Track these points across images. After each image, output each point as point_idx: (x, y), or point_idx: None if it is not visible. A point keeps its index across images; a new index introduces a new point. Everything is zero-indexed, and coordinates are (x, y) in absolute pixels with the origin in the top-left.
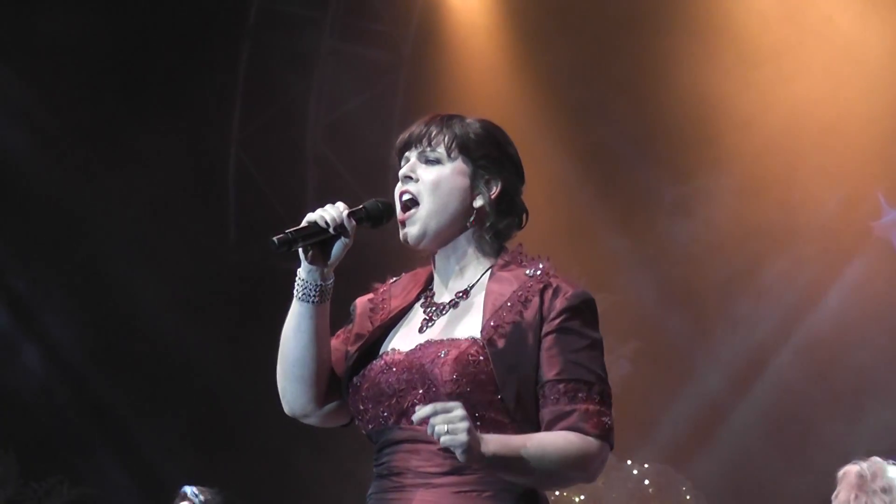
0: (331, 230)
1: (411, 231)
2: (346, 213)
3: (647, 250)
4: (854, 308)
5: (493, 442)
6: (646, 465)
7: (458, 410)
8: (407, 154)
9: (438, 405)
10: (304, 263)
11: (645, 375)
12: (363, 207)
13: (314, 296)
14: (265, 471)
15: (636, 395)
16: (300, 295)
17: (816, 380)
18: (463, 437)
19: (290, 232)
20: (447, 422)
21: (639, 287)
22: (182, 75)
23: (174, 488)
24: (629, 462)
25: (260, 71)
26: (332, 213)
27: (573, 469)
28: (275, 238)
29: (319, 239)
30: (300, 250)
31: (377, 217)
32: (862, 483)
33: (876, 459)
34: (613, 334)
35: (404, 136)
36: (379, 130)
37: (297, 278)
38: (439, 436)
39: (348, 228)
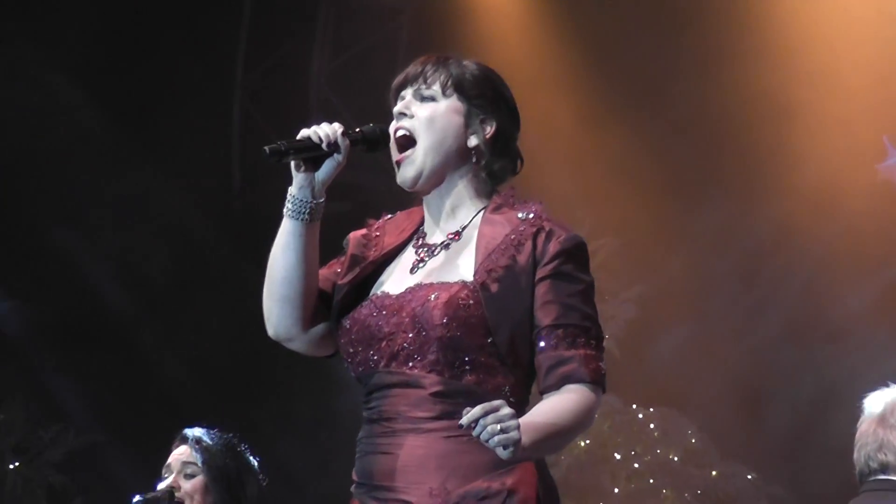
0: (324, 146)
1: (407, 171)
2: (340, 130)
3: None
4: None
5: (528, 431)
6: (651, 409)
7: (507, 408)
8: (402, 93)
9: (487, 406)
10: (295, 178)
11: (650, 320)
12: (359, 130)
13: (304, 213)
14: (279, 415)
15: (640, 339)
16: (290, 212)
17: (817, 315)
18: (516, 434)
19: (282, 143)
20: (498, 421)
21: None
22: (184, 23)
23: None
24: (634, 406)
25: (263, 16)
26: (326, 129)
27: (584, 426)
28: (266, 147)
29: (312, 155)
30: (292, 164)
31: (373, 140)
32: (883, 417)
33: None
34: (619, 278)
35: (400, 76)
36: (383, 75)
37: (288, 195)
38: (490, 436)
39: (341, 146)
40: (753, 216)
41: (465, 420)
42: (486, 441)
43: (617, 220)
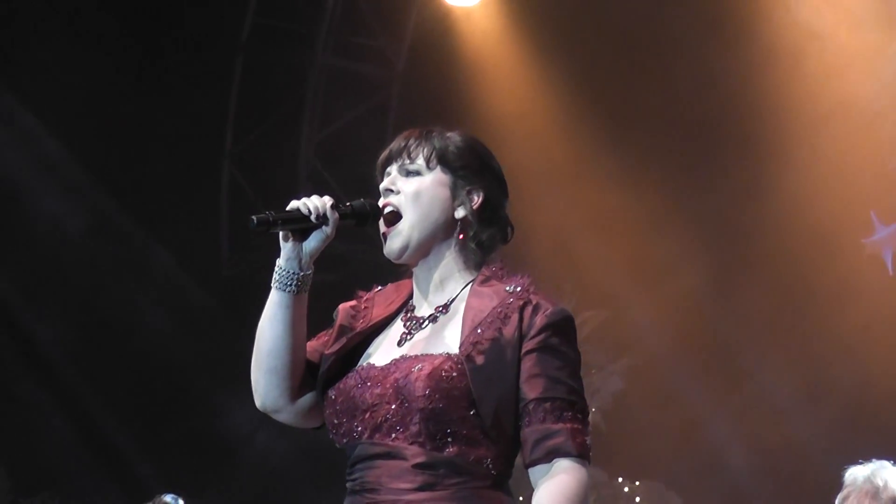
0: (312, 218)
1: (394, 243)
2: (329, 204)
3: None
4: None
5: None
6: (637, 483)
7: None
8: (388, 169)
9: None
10: (283, 250)
11: (638, 393)
12: (349, 204)
13: (292, 285)
14: (258, 485)
15: (627, 411)
16: (277, 283)
17: (806, 401)
18: None
19: (270, 213)
20: None
21: (632, 303)
22: (175, 89)
23: None
24: (620, 479)
25: (253, 85)
26: (315, 202)
27: None
28: (254, 216)
29: (300, 226)
30: (280, 234)
31: (362, 215)
32: (875, 492)
33: (885, 464)
34: (605, 351)
35: (385, 152)
36: (372, 146)
37: (276, 267)
38: None
39: (330, 220)
40: (742, 287)
41: None
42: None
43: (603, 293)
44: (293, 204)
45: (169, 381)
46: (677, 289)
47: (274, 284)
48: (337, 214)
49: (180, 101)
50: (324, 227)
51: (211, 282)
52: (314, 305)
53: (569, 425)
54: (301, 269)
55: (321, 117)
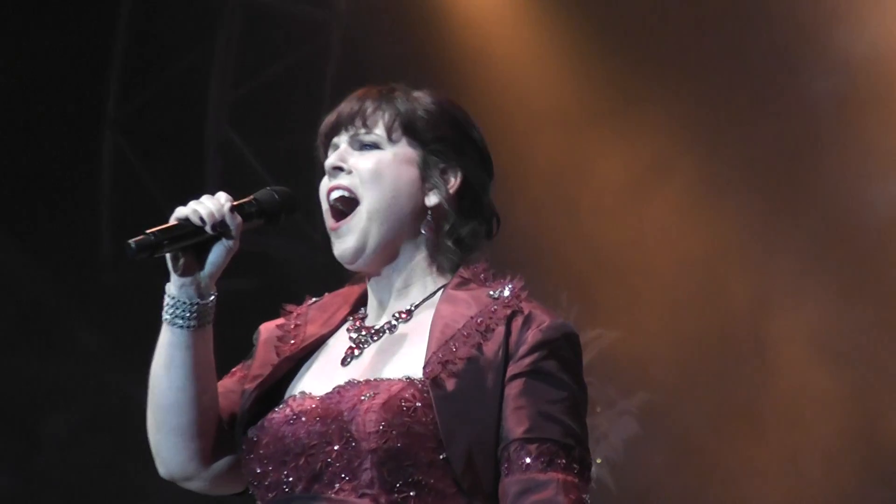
0: (207, 229)
1: (348, 242)
2: (228, 206)
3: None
4: None
5: None
6: None
7: None
8: (335, 140)
9: None
10: (173, 276)
11: (657, 439)
12: (253, 199)
13: (189, 318)
14: None
15: (643, 464)
16: (170, 318)
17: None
18: None
19: (152, 232)
20: None
21: (650, 321)
22: (38, 31)
23: None
24: None
25: (144, 32)
26: (209, 206)
27: None
28: (132, 241)
29: (192, 242)
30: (167, 257)
31: (273, 211)
32: None
33: None
34: (615, 383)
35: (331, 117)
36: (303, 109)
37: (166, 296)
38: None
39: (231, 227)
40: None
41: None
42: None
43: (615, 306)
44: (179, 212)
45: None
46: (720, 299)
47: (166, 319)
48: (240, 217)
49: (44, 47)
50: (224, 239)
51: (86, 293)
52: (225, 324)
53: (560, 476)
54: (200, 296)
55: (236, 71)
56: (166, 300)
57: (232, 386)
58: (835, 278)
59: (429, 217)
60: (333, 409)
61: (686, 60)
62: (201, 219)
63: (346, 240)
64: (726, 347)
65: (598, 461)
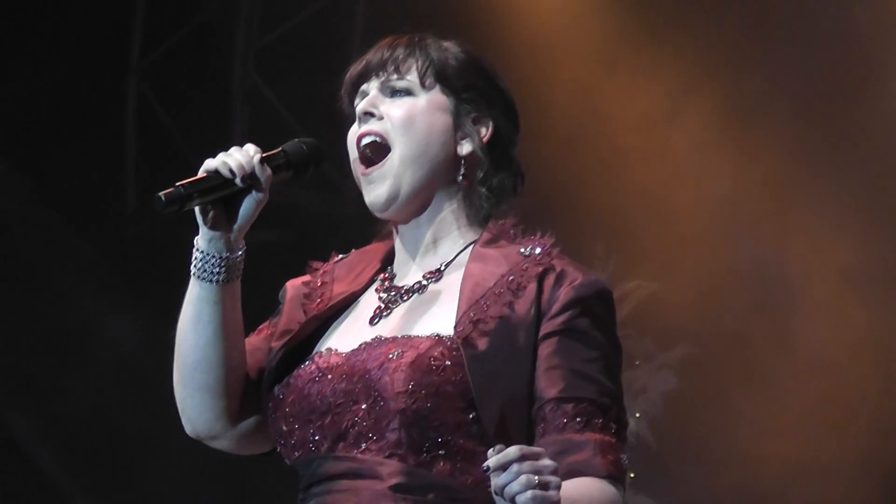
0: (237, 181)
1: (380, 188)
2: (258, 157)
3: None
4: None
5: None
6: None
7: (548, 459)
8: (364, 87)
9: (525, 448)
10: (202, 229)
11: (697, 393)
12: (282, 150)
13: (218, 273)
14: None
15: (684, 421)
16: (199, 272)
17: None
18: (555, 495)
19: (181, 185)
20: (537, 472)
21: (690, 271)
22: None
23: None
24: None
25: None
26: (238, 158)
27: None
28: (161, 194)
29: (222, 194)
30: (197, 210)
31: (301, 163)
32: None
33: None
34: (654, 336)
35: (358, 65)
36: (332, 55)
37: (194, 250)
38: (524, 489)
39: (261, 179)
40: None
41: (492, 461)
42: (516, 495)
43: (653, 256)
44: (209, 164)
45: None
46: (757, 243)
47: (194, 273)
48: (269, 169)
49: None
50: (254, 191)
51: (111, 242)
52: (251, 281)
53: (597, 436)
54: (230, 250)
55: (262, 16)
56: (195, 254)
57: (259, 343)
58: (873, 217)
59: (462, 166)
60: (360, 367)
61: None
62: (231, 171)
63: (379, 186)
64: (762, 293)
65: (637, 415)
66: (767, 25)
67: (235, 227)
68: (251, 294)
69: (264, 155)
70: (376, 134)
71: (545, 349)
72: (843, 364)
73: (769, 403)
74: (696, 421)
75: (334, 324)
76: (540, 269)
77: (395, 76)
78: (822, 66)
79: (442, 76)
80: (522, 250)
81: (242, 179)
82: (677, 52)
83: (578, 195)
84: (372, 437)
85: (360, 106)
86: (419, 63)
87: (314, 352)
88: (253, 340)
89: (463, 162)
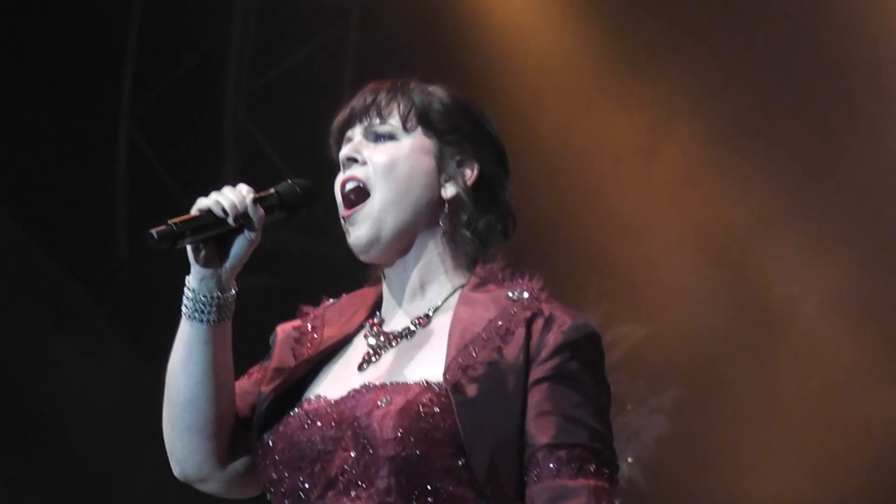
0: (230, 221)
1: (360, 232)
2: (250, 197)
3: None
4: None
5: None
6: None
7: None
8: (349, 133)
9: None
10: (194, 268)
11: (690, 438)
12: (275, 192)
13: (209, 313)
14: None
15: (676, 464)
16: (190, 312)
17: None
18: None
19: (174, 223)
20: None
21: (681, 316)
22: (54, 32)
23: None
24: None
25: (160, 20)
26: (231, 197)
27: None
28: (153, 231)
29: (214, 233)
30: (188, 248)
31: (293, 204)
32: None
33: None
34: (646, 380)
35: (344, 112)
36: (323, 99)
37: (185, 289)
38: None
39: (254, 219)
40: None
41: None
42: None
43: (644, 301)
44: (201, 203)
45: (38, 423)
46: (744, 278)
47: (185, 313)
48: (262, 210)
49: (58, 38)
50: (246, 231)
51: (102, 287)
52: (241, 325)
53: (591, 482)
54: (221, 290)
55: (253, 61)
56: (186, 293)
57: (248, 387)
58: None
59: (446, 209)
60: (348, 414)
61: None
62: (224, 210)
63: (360, 227)
64: (755, 336)
65: (630, 461)
66: (751, 53)
67: (227, 266)
68: (241, 338)
69: (257, 195)
70: (358, 180)
71: (535, 394)
72: (830, 402)
73: (761, 446)
74: (688, 465)
75: (324, 369)
76: (528, 313)
77: (377, 121)
78: (807, 94)
79: (424, 119)
80: (510, 294)
81: (235, 219)
82: (658, 83)
83: (568, 237)
84: (361, 485)
85: (343, 152)
86: (401, 107)
87: (303, 398)
88: (243, 384)
89: (447, 205)
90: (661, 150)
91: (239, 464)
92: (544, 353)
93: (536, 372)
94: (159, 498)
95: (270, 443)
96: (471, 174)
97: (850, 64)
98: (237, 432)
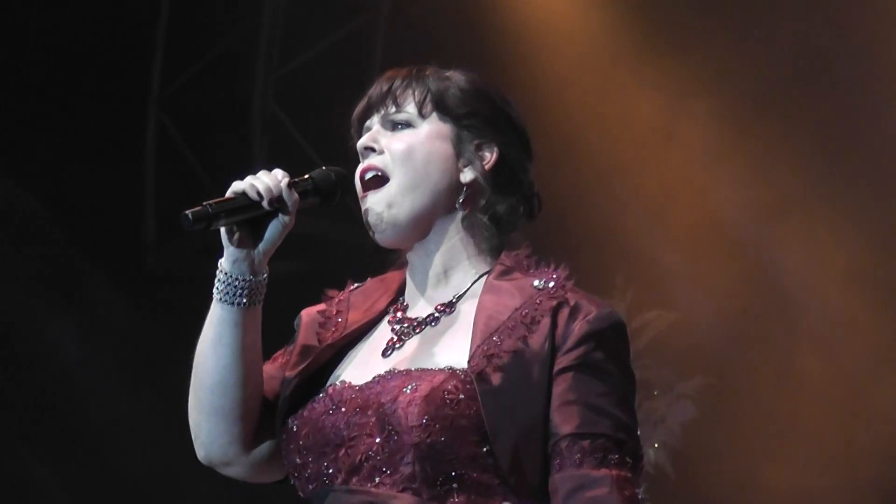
0: (264, 204)
1: (379, 218)
2: (285, 182)
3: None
4: None
5: None
6: None
7: None
8: (367, 123)
9: None
10: (227, 249)
11: (716, 423)
12: (309, 177)
13: (241, 295)
14: None
15: (703, 451)
16: (222, 295)
17: None
18: None
19: (209, 204)
20: None
21: (707, 302)
22: (84, 19)
23: None
24: None
25: (189, 6)
26: (266, 181)
27: None
28: (188, 212)
29: (249, 216)
30: (222, 230)
31: (327, 190)
32: None
33: None
34: (673, 366)
35: (361, 102)
36: (351, 85)
37: (218, 272)
38: None
39: (288, 203)
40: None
41: None
42: None
43: (671, 287)
44: (237, 186)
45: (71, 412)
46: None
47: (217, 296)
48: (296, 194)
49: (88, 25)
50: (280, 215)
51: (129, 276)
52: (267, 309)
53: (614, 472)
54: (253, 273)
55: (283, 47)
56: (218, 276)
57: (273, 372)
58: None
59: (464, 193)
60: (374, 400)
61: None
62: (258, 193)
63: (376, 209)
64: (776, 321)
65: (656, 445)
66: (771, 34)
67: (260, 249)
68: (267, 323)
69: (292, 180)
70: (376, 168)
71: (560, 384)
72: (849, 387)
73: (785, 432)
74: (714, 450)
75: (349, 354)
76: (554, 302)
77: (393, 109)
78: (828, 75)
79: (440, 104)
80: (536, 283)
81: (269, 202)
82: (679, 62)
83: (594, 223)
84: (386, 471)
85: (361, 141)
86: (416, 94)
87: (328, 383)
88: (268, 368)
89: (465, 189)
90: (682, 132)
91: (264, 448)
92: (569, 343)
93: (561, 361)
94: (179, 484)
95: (295, 427)
96: (490, 158)
97: (871, 44)
98: (263, 416)
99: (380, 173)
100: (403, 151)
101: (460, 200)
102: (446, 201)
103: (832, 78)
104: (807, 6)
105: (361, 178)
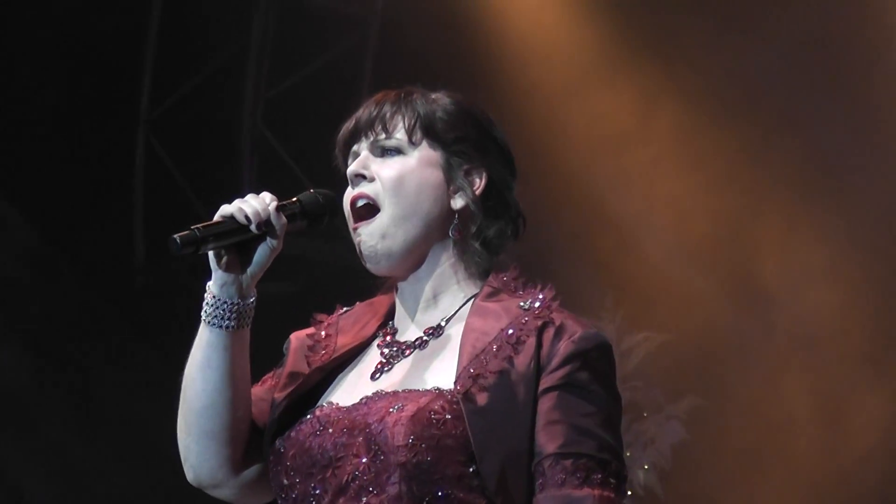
0: (252, 228)
1: (373, 250)
2: (273, 206)
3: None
4: None
5: None
6: None
7: None
8: (355, 148)
9: None
10: (215, 273)
11: (706, 444)
12: (297, 200)
13: (229, 319)
14: None
15: (692, 471)
16: (210, 318)
17: None
18: None
19: (197, 228)
20: None
21: (696, 323)
22: (72, 40)
23: None
24: None
25: (178, 28)
26: (254, 205)
27: None
28: (176, 236)
29: (237, 239)
30: (210, 254)
31: (316, 213)
32: None
33: None
34: (662, 387)
35: (349, 125)
36: (341, 107)
37: (206, 295)
38: None
39: (276, 227)
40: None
41: None
42: None
43: (660, 308)
44: (224, 210)
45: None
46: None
47: (205, 319)
48: (284, 217)
49: (76, 46)
50: (269, 238)
51: (119, 294)
52: (256, 332)
53: (596, 492)
54: (241, 296)
55: (271, 69)
56: (206, 299)
57: (262, 394)
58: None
59: (455, 220)
60: (360, 421)
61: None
62: (247, 217)
63: (369, 242)
64: (768, 344)
65: (646, 467)
66: (744, 39)
67: (248, 273)
68: (256, 345)
69: (280, 203)
70: (368, 197)
71: (545, 403)
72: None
73: (775, 453)
74: (703, 471)
75: (338, 377)
76: (539, 322)
77: (383, 135)
78: (802, 78)
79: (430, 130)
80: (522, 304)
81: (258, 226)
82: (651, 71)
83: (582, 247)
84: (373, 491)
85: (351, 168)
86: (406, 120)
87: (316, 405)
88: (257, 391)
89: (457, 216)
90: (654, 142)
91: (253, 470)
92: (554, 363)
93: (546, 381)
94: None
95: (282, 449)
96: (479, 183)
97: (847, 44)
98: (252, 439)
99: (371, 202)
100: (395, 180)
101: (453, 227)
102: (438, 229)
103: (809, 79)
104: (779, 9)
105: (352, 205)
